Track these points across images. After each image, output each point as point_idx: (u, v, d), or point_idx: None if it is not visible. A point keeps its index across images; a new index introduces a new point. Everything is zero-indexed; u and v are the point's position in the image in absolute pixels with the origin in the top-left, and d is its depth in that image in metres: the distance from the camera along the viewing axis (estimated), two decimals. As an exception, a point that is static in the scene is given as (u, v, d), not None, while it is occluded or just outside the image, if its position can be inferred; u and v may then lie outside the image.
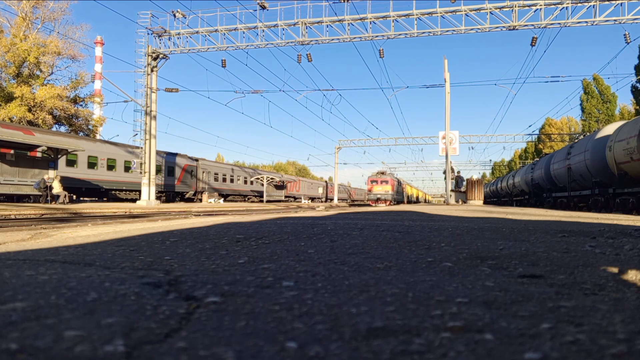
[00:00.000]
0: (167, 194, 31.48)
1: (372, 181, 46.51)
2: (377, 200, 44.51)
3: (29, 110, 30.92)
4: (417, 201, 71.52)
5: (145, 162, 24.28)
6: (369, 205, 43.01)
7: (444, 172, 24.53)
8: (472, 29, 21.75)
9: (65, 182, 21.02)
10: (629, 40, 20.03)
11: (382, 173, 46.73)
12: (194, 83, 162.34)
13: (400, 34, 22.37)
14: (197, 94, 50.51)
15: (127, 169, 27.28)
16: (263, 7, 22.32)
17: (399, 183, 52.53)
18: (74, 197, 23.94)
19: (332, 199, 60.07)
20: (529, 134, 53.65)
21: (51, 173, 19.90)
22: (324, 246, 2.79)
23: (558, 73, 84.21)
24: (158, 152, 27.11)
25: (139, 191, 25.48)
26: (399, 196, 51.20)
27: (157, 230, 3.92)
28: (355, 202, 64.05)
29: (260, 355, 0.89)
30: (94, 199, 28.03)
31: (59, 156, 20.91)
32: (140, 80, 24.61)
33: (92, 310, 1.19)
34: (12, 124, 25.60)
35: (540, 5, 20.64)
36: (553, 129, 58.61)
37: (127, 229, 4.16)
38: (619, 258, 2.34)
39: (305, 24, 22.93)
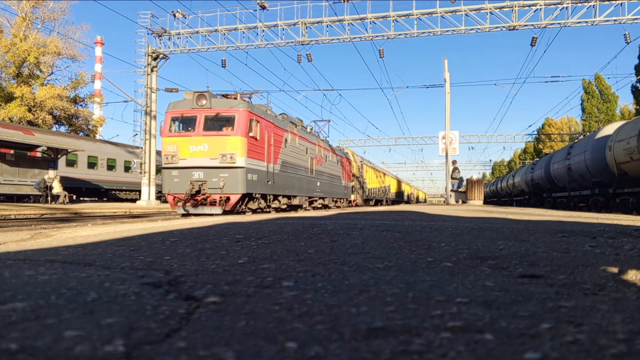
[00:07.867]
0: (167, 194, 31.40)
1: (173, 119, 11.66)
2: (195, 194, 11.13)
3: (29, 110, 30.91)
4: (417, 201, 71.47)
5: (145, 162, 24.28)
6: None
7: (452, 169, 24.36)
8: (472, 29, 21.74)
9: (65, 182, 21.02)
10: (629, 40, 20.03)
11: (225, 96, 12.74)
12: (194, 83, 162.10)
13: (400, 34, 22.36)
14: (197, 94, 50.33)
15: (127, 169, 27.29)
16: (263, 7, 22.30)
17: (290, 133, 15.31)
18: (74, 197, 23.93)
19: (332, 199, 59.57)
20: (529, 134, 53.43)
21: (51, 173, 19.91)
22: (324, 246, 2.79)
23: (558, 73, 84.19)
24: (158, 152, 27.10)
25: (139, 191, 25.47)
26: (289, 173, 14.87)
27: (157, 230, 3.92)
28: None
29: (260, 355, 0.89)
30: (94, 199, 28.04)
31: (59, 156, 20.92)
32: (140, 80, 24.60)
33: (92, 310, 1.19)
34: (12, 124, 25.60)
35: (540, 5, 20.63)
36: (553, 129, 58.56)
37: (127, 229, 4.16)
38: (619, 258, 2.33)
39: (305, 24, 22.91)
